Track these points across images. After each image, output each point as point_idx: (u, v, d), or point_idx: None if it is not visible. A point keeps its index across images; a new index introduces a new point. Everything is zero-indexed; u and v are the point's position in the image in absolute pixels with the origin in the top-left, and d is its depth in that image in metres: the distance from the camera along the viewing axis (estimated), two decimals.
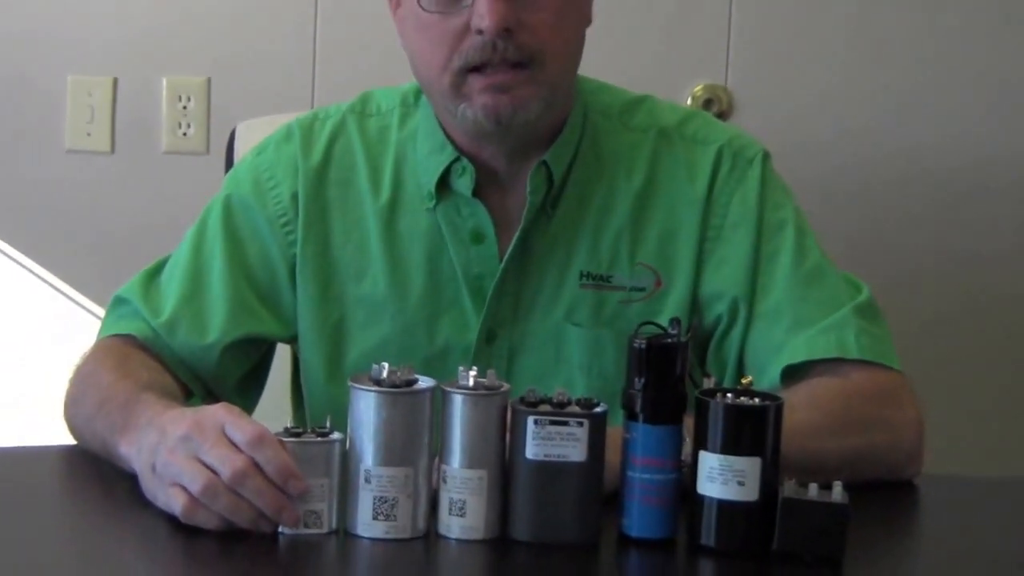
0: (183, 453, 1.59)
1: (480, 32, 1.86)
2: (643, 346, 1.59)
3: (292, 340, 2.07)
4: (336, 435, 1.60)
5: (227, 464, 1.55)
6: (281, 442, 1.57)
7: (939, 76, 3.11)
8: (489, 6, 1.85)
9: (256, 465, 1.55)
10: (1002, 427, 3.16)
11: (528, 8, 1.88)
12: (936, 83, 3.11)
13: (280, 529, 1.57)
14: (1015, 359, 3.16)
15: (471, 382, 1.60)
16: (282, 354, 2.14)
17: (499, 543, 1.60)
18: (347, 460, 1.60)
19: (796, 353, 1.93)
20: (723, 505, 1.57)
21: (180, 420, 1.63)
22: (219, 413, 1.62)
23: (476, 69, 1.89)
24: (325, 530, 1.58)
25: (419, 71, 1.97)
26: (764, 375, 1.92)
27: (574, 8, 1.95)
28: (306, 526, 1.58)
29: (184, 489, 1.57)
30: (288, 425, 1.61)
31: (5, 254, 3.06)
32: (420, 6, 1.90)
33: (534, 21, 1.88)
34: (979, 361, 3.16)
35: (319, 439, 1.59)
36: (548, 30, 1.90)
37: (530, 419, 1.58)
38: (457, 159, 1.98)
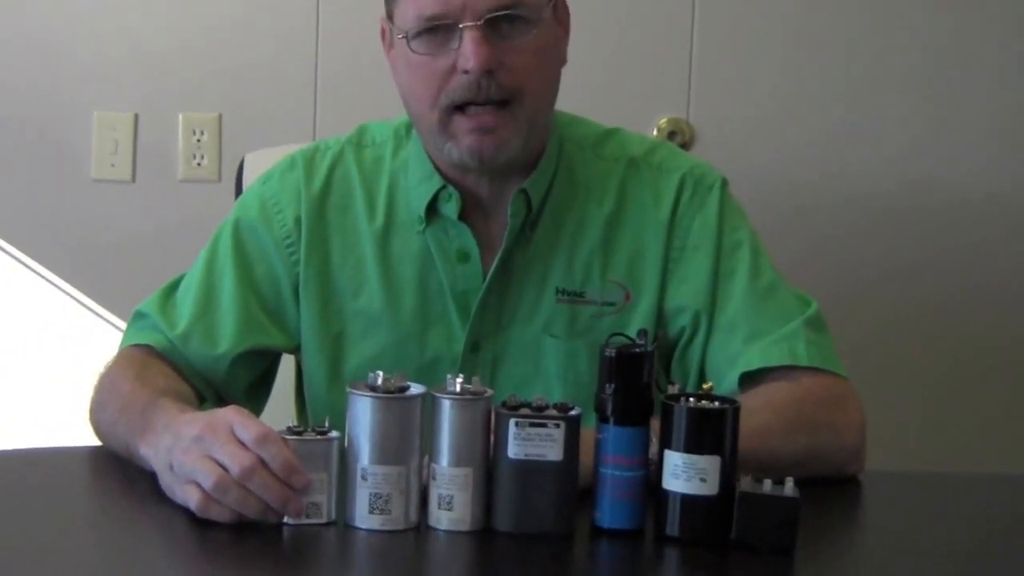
0: (196, 452, 1.59)
1: (466, 72, 1.86)
2: (613, 355, 1.59)
3: (296, 351, 2.06)
4: (334, 433, 1.60)
5: (236, 461, 1.55)
6: (284, 440, 1.57)
7: (875, 108, 3.12)
8: (474, 49, 1.85)
9: (262, 461, 1.55)
10: (936, 426, 3.17)
11: (509, 51, 1.88)
12: (873, 114, 3.12)
13: (285, 520, 1.57)
14: (951, 363, 3.18)
15: (458, 388, 1.60)
16: (286, 363, 2.14)
17: (484, 534, 1.60)
18: (345, 458, 1.59)
19: (752, 361, 1.93)
20: (686, 499, 1.57)
21: (193, 422, 1.63)
22: (228, 415, 1.62)
23: (461, 107, 1.89)
24: (325, 520, 1.58)
25: (410, 107, 1.97)
26: (723, 381, 1.91)
27: (551, 50, 1.95)
28: (308, 516, 1.57)
29: (198, 486, 1.57)
30: (290, 424, 1.61)
31: (37, 273, 3.05)
32: (410, 48, 1.90)
33: (514, 62, 1.88)
34: (918, 365, 3.17)
35: (318, 437, 1.59)
36: (527, 71, 1.90)
37: (511, 421, 1.58)
38: (444, 187, 1.97)
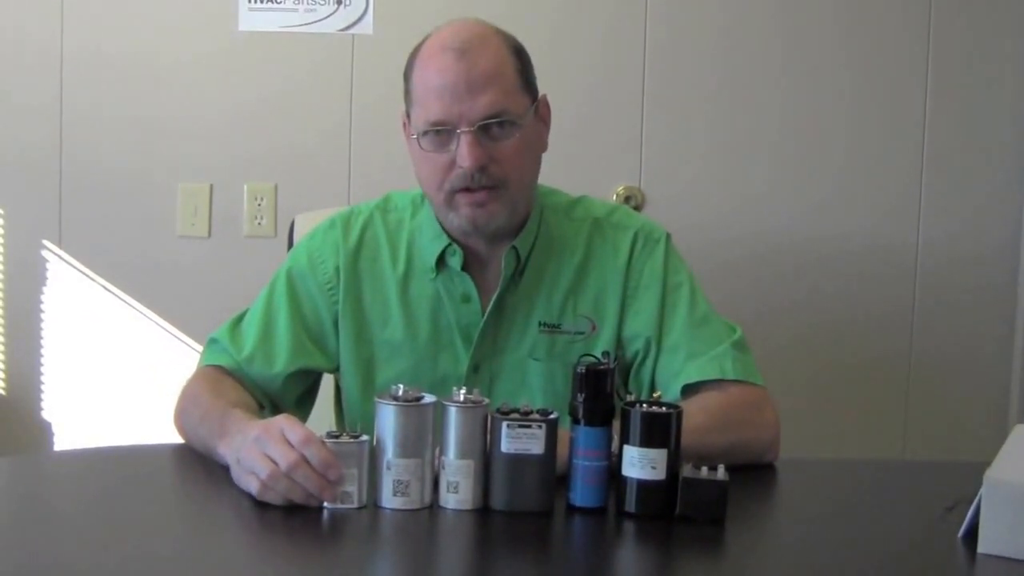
0: (256, 450, 1.59)
1: (462, 168, 1.86)
2: (583, 371, 1.59)
3: (335, 371, 2.04)
4: (364, 437, 1.59)
5: (284, 458, 1.56)
6: (323, 442, 1.57)
7: (787, 178, 3.13)
8: (468, 151, 1.85)
9: (305, 459, 1.55)
10: (832, 423, 3.17)
11: (497, 148, 1.87)
12: (785, 183, 3.13)
13: (323, 505, 1.57)
14: (844, 373, 3.18)
15: (462, 398, 1.60)
16: (327, 382, 2.13)
17: (483, 512, 1.60)
18: (374, 455, 1.59)
19: (691, 375, 1.93)
20: (640, 483, 1.57)
21: (255, 427, 1.63)
22: (280, 421, 1.62)
23: (460, 190, 1.89)
24: (356, 505, 1.58)
25: (422, 185, 1.96)
26: (669, 391, 1.91)
27: (532, 144, 1.94)
28: (342, 502, 1.57)
29: (257, 476, 1.57)
30: (329, 430, 1.61)
31: (133, 307, 3.06)
32: (420, 145, 1.89)
33: (501, 157, 1.87)
34: (819, 376, 3.17)
35: (351, 440, 1.59)
36: (511, 163, 1.89)
37: (504, 424, 1.58)
38: (450, 244, 1.97)
